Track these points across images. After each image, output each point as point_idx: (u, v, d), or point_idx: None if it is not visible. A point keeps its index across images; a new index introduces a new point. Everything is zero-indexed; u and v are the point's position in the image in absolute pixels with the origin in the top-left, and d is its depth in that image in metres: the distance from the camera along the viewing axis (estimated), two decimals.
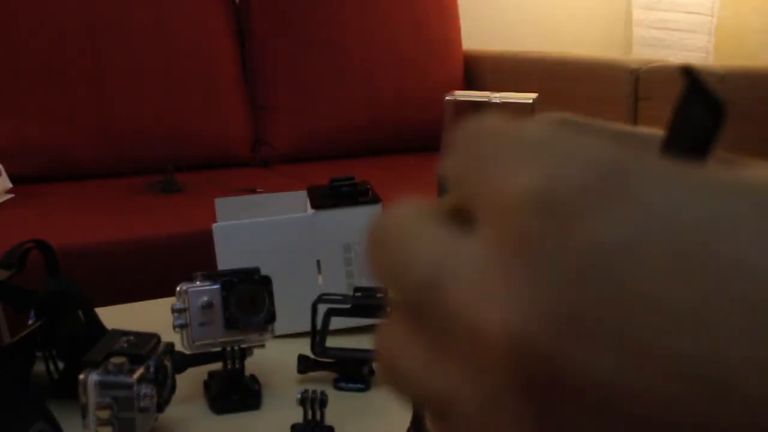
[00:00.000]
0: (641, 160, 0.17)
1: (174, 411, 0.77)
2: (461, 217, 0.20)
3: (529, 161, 0.17)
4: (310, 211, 1.01)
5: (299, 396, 0.75)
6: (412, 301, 0.19)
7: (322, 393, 0.75)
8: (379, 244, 0.20)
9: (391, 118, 2.46)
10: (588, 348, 0.16)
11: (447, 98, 1.22)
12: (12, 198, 1.79)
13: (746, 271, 0.15)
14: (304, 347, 0.88)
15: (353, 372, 0.87)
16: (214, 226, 0.98)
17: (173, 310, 0.79)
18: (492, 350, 0.17)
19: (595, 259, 0.16)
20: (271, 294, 0.81)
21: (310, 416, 0.75)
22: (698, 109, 0.20)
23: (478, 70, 2.65)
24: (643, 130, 0.24)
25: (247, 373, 0.83)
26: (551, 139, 0.18)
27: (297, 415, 0.75)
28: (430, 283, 0.18)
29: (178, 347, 0.77)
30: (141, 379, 0.66)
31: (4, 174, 1.79)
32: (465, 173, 0.19)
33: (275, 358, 0.91)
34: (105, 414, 0.65)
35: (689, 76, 0.21)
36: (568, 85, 2.43)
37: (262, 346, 0.83)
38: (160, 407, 0.70)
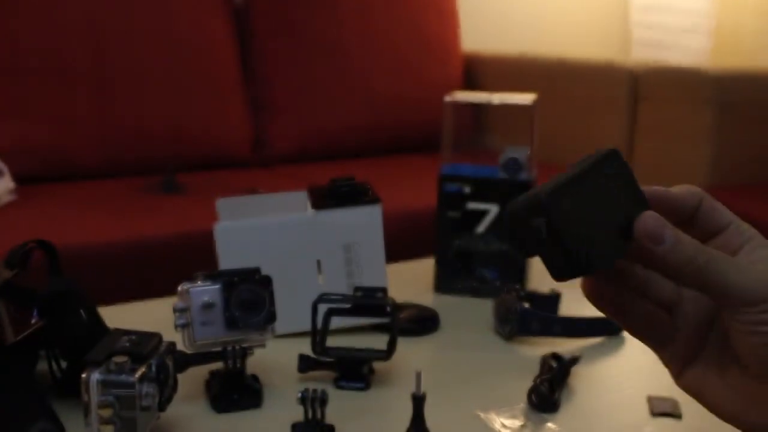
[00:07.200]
0: None
1: (175, 410, 0.77)
2: None
3: None
4: (311, 211, 1.01)
5: (300, 395, 0.75)
6: None
7: (323, 392, 0.76)
8: None
9: (391, 118, 2.46)
10: None
11: (446, 99, 1.22)
12: (15, 198, 1.80)
13: None
14: (304, 347, 0.89)
15: (353, 371, 0.88)
16: (216, 226, 0.99)
17: (175, 310, 0.79)
18: None
19: None
20: (271, 294, 0.82)
21: (310, 415, 0.75)
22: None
23: (478, 72, 2.66)
24: None
25: (248, 372, 0.84)
26: None
27: (298, 414, 0.76)
28: None
29: (180, 347, 0.78)
30: (143, 378, 0.67)
31: (7, 174, 1.80)
32: None
33: (276, 358, 0.91)
34: (107, 412, 0.66)
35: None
36: (567, 86, 2.44)
37: (263, 345, 0.83)
38: (162, 406, 0.71)
